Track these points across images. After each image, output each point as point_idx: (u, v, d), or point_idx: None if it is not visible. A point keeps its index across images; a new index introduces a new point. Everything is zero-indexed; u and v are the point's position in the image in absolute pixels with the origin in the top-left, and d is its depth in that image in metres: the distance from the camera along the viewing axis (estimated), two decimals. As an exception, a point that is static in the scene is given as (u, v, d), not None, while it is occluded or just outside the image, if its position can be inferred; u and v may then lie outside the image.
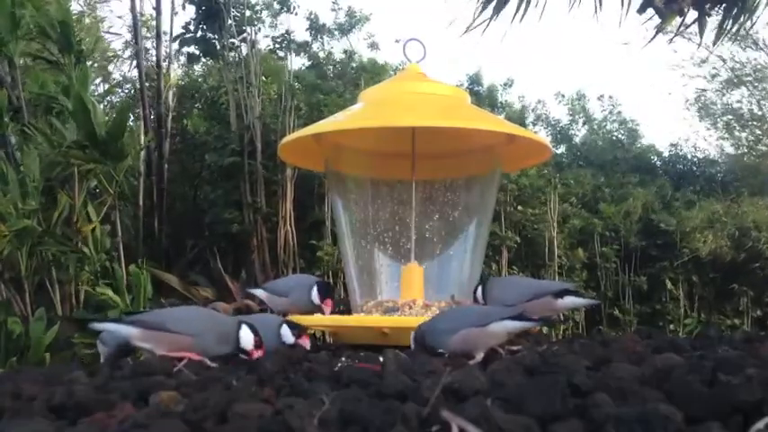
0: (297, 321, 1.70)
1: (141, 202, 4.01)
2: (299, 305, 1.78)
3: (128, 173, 3.71)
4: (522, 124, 5.77)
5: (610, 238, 4.88)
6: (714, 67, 6.35)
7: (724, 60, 6.28)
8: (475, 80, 6.12)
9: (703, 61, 6.40)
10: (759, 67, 6.28)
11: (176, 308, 1.64)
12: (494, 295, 1.59)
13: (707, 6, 1.79)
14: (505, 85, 6.28)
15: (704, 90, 6.68)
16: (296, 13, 4.69)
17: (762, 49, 5.81)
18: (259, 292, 1.88)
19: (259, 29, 4.51)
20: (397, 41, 6.11)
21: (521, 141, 1.93)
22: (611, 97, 6.96)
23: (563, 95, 7.12)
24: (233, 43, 4.29)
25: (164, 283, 3.20)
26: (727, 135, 6.89)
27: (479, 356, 1.29)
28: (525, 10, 1.75)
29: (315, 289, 1.76)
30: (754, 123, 6.48)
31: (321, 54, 5.49)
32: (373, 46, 5.85)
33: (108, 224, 2.92)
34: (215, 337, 1.35)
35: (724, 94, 6.62)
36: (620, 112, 6.94)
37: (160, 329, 1.33)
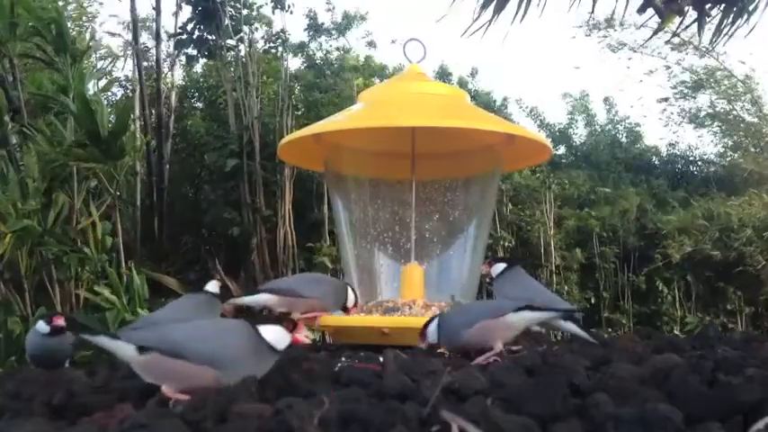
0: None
1: (140, 203, 4.01)
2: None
3: (127, 173, 3.71)
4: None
5: (608, 238, 4.89)
6: (674, 71, 6.44)
7: (668, 68, 6.36)
8: (465, 83, 6.15)
9: (652, 71, 6.48)
10: (714, 70, 6.35)
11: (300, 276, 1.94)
12: (499, 288, 1.58)
13: (707, 7, 1.78)
14: (499, 92, 6.31)
15: (666, 98, 6.76)
16: (291, 12, 4.68)
17: (711, 55, 5.90)
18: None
19: (257, 28, 4.51)
20: (393, 41, 6.15)
21: (521, 141, 1.92)
22: (607, 99, 6.99)
23: (570, 95, 7.16)
24: (230, 43, 4.29)
25: (162, 284, 3.19)
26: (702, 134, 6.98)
27: (498, 347, 1.30)
28: (525, 10, 1.74)
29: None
30: (727, 122, 6.54)
31: (319, 54, 5.51)
32: (371, 44, 5.87)
33: (108, 223, 2.92)
34: (333, 297, 1.66)
35: (694, 98, 6.70)
36: (619, 113, 6.97)
37: (294, 296, 1.58)
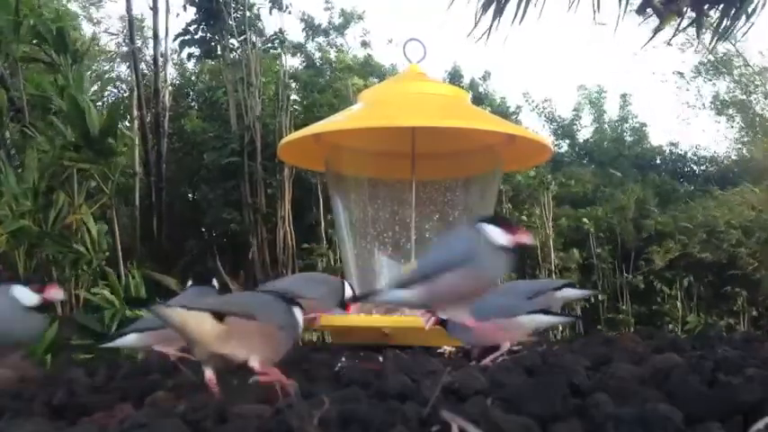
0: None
1: (139, 202, 4.01)
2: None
3: (126, 173, 3.71)
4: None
5: (607, 238, 4.88)
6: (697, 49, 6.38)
7: (691, 44, 6.30)
8: (477, 85, 6.15)
9: (681, 45, 6.40)
10: (732, 57, 6.34)
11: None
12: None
13: (705, 7, 1.79)
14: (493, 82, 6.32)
15: (681, 73, 6.73)
16: (289, 12, 4.68)
17: (730, 41, 5.84)
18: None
19: (260, 30, 4.50)
20: (389, 41, 6.17)
21: (521, 141, 1.93)
22: (626, 94, 7.00)
23: (585, 87, 7.18)
24: (233, 44, 4.29)
25: (162, 284, 3.19)
26: (720, 122, 6.97)
27: (506, 346, 1.30)
28: (525, 10, 1.75)
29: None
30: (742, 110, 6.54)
31: (317, 54, 5.51)
32: (365, 44, 5.89)
33: (105, 224, 2.91)
34: (332, 297, 1.62)
35: (712, 82, 6.68)
36: (631, 111, 6.98)
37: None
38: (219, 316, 0.94)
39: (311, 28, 5.50)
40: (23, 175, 2.54)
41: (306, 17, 5.46)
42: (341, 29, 5.75)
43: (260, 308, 1.01)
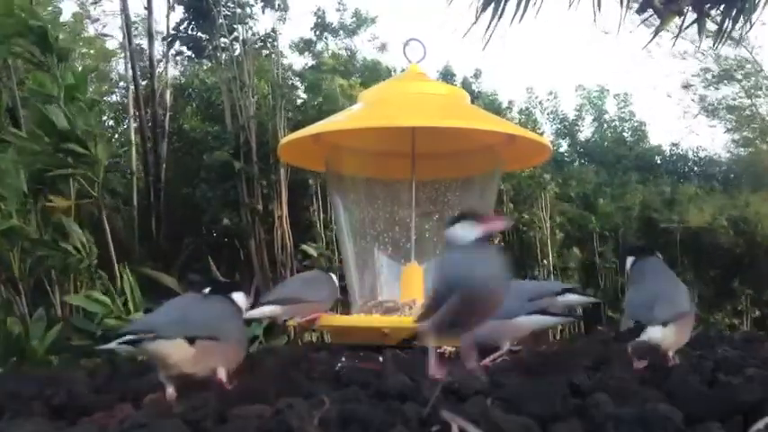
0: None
1: (137, 202, 4.01)
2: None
3: (123, 173, 3.71)
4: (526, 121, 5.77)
5: (609, 237, 4.88)
6: (700, 60, 6.37)
7: (703, 54, 6.28)
8: (469, 84, 6.14)
9: (684, 54, 6.39)
10: (744, 62, 6.32)
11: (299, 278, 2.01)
12: None
13: (706, 7, 1.78)
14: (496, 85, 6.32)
15: (691, 85, 6.73)
16: (284, 10, 4.65)
17: (743, 45, 5.82)
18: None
19: (250, 27, 4.49)
20: (405, 44, 6.15)
21: (521, 141, 1.92)
22: (626, 94, 7.01)
23: (583, 88, 7.19)
24: (224, 43, 4.28)
25: (161, 284, 3.18)
26: (716, 125, 6.97)
27: (506, 347, 1.30)
28: (525, 9, 1.74)
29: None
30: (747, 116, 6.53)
31: (326, 54, 5.50)
32: (381, 48, 5.88)
33: (98, 224, 2.90)
34: (331, 296, 1.70)
35: (717, 89, 6.66)
36: (632, 111, 6.99)
37: (297, 302, 1.62)
38: (191, 340, 0.97)
39: (320, 27, 5.47)
40: (6, 176, 2.52)
41: (320, 12, 5.43)
42: (350, 31, 5.73)
43: (220, 325, 1.04)
